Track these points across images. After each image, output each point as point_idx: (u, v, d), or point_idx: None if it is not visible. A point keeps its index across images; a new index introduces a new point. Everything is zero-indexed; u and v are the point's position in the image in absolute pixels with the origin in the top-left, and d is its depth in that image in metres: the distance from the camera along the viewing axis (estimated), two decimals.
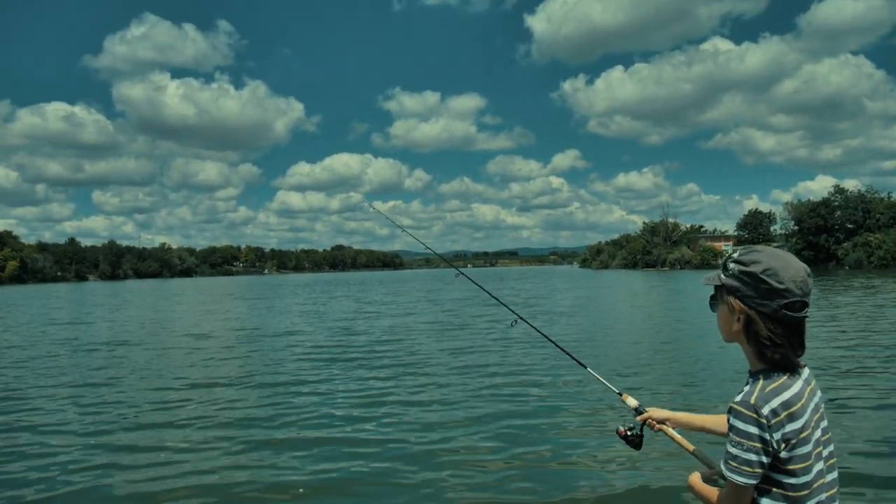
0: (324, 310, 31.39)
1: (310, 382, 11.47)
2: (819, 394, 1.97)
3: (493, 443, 7.45)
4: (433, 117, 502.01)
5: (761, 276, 1.85)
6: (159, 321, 26.94)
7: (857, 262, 75.85)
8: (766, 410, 1.80)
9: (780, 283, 1.83)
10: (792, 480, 1.84)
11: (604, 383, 3.09)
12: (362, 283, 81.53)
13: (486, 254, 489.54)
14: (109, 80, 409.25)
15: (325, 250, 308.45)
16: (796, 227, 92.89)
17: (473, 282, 4.91)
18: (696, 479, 2.12)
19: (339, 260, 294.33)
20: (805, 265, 1.90)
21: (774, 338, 1.86)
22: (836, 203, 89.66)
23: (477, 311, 27.08)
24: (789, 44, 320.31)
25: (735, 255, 1.96)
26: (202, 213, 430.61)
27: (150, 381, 11.99)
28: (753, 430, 1.81)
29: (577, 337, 17.24)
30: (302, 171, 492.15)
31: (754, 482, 1.85)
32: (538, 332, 3.80)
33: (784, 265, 1.85)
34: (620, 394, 2.88)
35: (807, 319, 1.89)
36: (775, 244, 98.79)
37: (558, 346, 3.62)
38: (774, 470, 1.85)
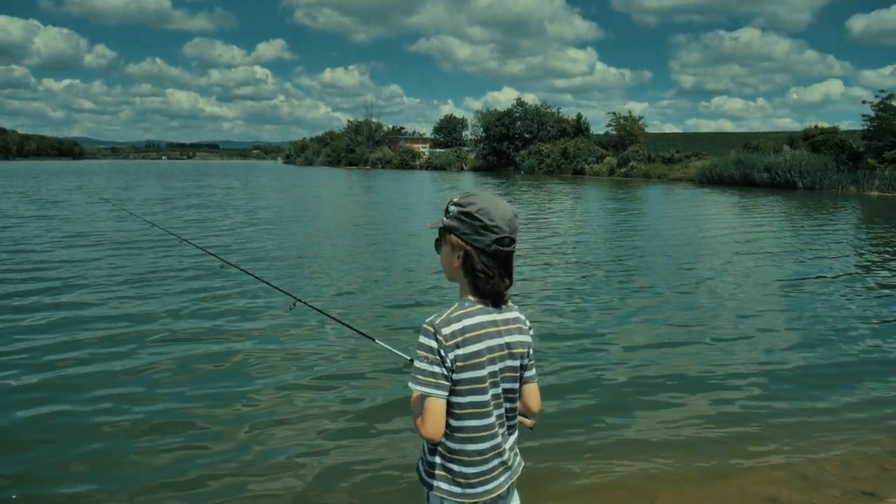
0: None
1: None
2: (520, 338, 2.21)
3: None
4: None
5: (476, 214, 2.10)
6: None
7: (531, 168, 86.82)
8: (445, 331, 2.07)
9: (491, 220, 2.09)
10: (457, 399, 2.11)
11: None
12: (30, 174, 69.34)
13: (182, 145, 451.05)
14: None
15: None
16: (484, 134, 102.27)
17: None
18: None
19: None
20: (513, 207, 2.17)
21: (487, 270, 2.12)
22: (518, 114, 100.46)
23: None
24: None
25: (455, 199, 2.18)
26: None
27: None
28: (434, 344, 2.06)
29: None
30: None
31: (440, 393, 2.07)
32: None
33: (494, 206, 2.12)
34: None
35: (514, 254, 2.17)
36: (466, 149, 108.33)
37: (341, 322, 3.52)
38: (451, 392, 2.09)
